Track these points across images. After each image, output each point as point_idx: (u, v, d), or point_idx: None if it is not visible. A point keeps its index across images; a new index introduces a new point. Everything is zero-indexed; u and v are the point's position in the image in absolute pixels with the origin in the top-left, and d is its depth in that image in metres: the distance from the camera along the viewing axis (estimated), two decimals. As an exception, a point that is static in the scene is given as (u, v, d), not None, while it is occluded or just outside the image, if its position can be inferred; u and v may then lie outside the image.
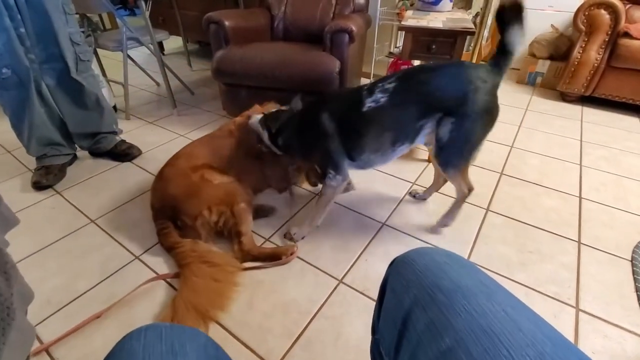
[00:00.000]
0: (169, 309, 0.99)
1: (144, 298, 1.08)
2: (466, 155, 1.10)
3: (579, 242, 1.30)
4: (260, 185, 1.51)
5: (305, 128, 1.20)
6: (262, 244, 1.29)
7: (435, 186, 1.47)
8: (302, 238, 1.30)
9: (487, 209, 1.46)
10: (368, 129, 1.09)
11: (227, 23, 1.92)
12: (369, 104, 1.06)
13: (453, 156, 1.10)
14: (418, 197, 1.52)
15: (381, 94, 1.05)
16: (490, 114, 1.04)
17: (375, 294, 1.10)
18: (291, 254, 1.20)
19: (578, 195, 1.56)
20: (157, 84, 2.88)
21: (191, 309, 0.98)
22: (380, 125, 1.08)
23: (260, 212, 1.40)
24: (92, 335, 0.98)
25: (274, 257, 1.19)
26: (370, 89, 1.07)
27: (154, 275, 1.15)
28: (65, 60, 1.49)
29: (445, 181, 1.41)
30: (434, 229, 1.33)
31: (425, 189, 1.52)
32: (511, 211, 1.44)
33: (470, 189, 1.20)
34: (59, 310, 1.06)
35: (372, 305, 1.06)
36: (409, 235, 1.34)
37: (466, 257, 1.24)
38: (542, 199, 1.52)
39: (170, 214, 1.23)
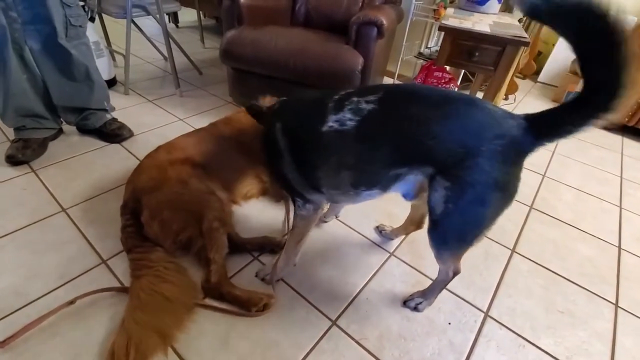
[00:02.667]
0: (120, 332, 0.83)
1: (103, 311, 0.93)
2: (469, 241, 0.79)
3: (616, 305, 1.11)
4: (254, 190, 1.33)
5: (262, 139, 0.93)
6: (250, 262, 1.12)
7: (405, 229, 1.20)
8: (277, 281, 1.05)
9: (513, 250, 1.27)
10: (323, 157, 0.78)
11: (242, 0, 1.71)
12: (331, 123, 0.74)
13: (451, 239, 0.80)
14: (384, 235, 1.25)
15: (350, 114, 0.73)
16: (503, 190, 0.70)
17: (374, 345, 0.92)
18: (264, 309, 0.95)
19: (617, 245, 1.35)
20: (165, 58, 2.69)
21: (147, 327, 0.84)
22: (338, 158, 0.77)
23: (267, 246, 1.16)
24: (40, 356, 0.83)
25: (243, 304, 0.95)
26: (339, 102, 0.75)
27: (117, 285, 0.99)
28: (53, 23, 1.31)
29: (418, 228, 1.14)
30: (406, 304, 1.03)
31: (393, 227, 1.24)
32: (541, 256, 1.25)
33: (456, 274, 0.94)
34: (4, 317, 0.90)
35: None
36: (419, 272, 1.15)
37: (484, 309, 1.05)
38: (576, 245, 1.32)
39: (135, 208, 1.07)
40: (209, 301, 0.97)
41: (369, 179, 0.79)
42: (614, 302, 1.12)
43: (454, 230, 0.77)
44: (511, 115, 0.69)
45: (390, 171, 0.76)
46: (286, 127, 0.84)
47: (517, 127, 0.67)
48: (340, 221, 1.31)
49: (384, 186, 0.80)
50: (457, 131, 0.67)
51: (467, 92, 2.09)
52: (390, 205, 1.41)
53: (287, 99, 0.93)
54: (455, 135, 0.67)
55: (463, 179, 0.68)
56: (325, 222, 1.29)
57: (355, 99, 0.74)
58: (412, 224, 1.16)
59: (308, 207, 0.92)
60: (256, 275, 1.07)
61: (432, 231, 0.80)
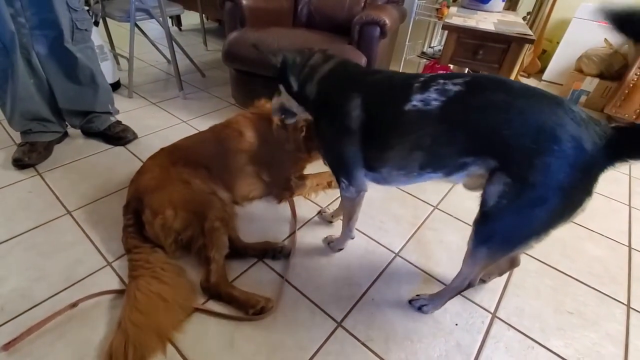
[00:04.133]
0: (117, 333, 0.83)
1: (107, 313, 0.93)
2: (513, 244, 0.76)
3: (628, 307, 1.09)
4: (256, 191, 1.33)
5: (327, 106, 0.88)
6: (254, 264, 1.11)
7: (499, 268, 1.07)
8: (339, 250, 1.17)
9: (520, 250, 1.25)
10: (401, 136, 0.78)
11: (244, 2, 1.72)
12: (415, 102, 0.73)
13: (496, 237, 0.76)
14: (482, 280, 1.11)
15: (437, 94, 0.72)
16: (566, 198, 0.65)
17: (380, 347, 0.91)
18: (261, 311, 0.94)
19: (627, 244, 1.33)
20: (168, 61, 2.70)
21: (144, 328, 0.84)
22: (415, 138, 0.76)
23: (269, 252, 1.13)
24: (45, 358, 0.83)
25: (240, 305, 0.95)
26: (425, 83, 0.74)
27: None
28: (60, 27, 1.32)
29: (513, 266, 1.04)
30: (411, 303, 1.02)
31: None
32: (549, 257, 1.23)
33: (471, 286, 0.92)
34: (11, 319, 0.91)
35: (375, 362, 0.91)
36: (425, 272, 1.14)
37: (492, 310, 1.04)
38: (585, 245, 1.30)
39: (137, 207, 1.07)
40: (208, 305, 0.97)
41: (438, 162, 0.78)
42: (625, 302, 1.10)
43: (501, 228, 0.74)
44: (597, 122, 0.65)
45: (459, 159, 0.75)
46: (367, 102, 0.80)
47: (598, 134, 0.62)
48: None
49: (448, 172, 0.80)
50: (534, 125, 0.64)
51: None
52: (395, 206, 1.40)
53: (363, 70, 0.90)
54: (531, 129, 0.64)
55: (526, 177, 0.65)
56: (331, 222, 1.28)
57: (441, 80, 0.73)
58: (505, 264, 1.05)
59: (351, 190, 0.94)
60: (322, 241, 1.19)
61: (479, 224, 0.77)
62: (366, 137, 0.82)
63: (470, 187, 0.84)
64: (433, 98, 0.72)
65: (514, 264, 1.04)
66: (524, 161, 0.65)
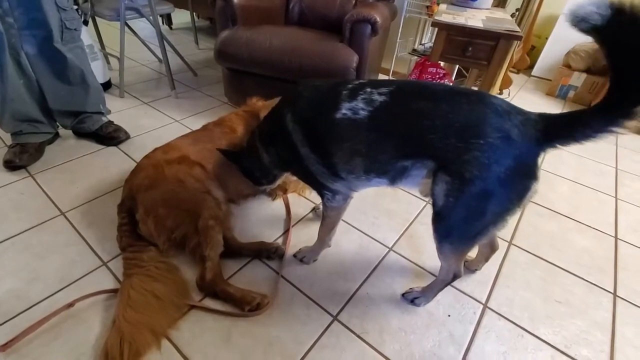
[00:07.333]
0: (112, 331, 0.84)
1: (103, 313, 0.93)
2: (471, 236, 0.79)
3: (615, 295, 1.13)
4: (250, 188, 1.33)
5: (273, 136, 0.96)
6: (248, 262, 1.12)
7: (483, 254, 1.11)
8: (314, 261, 1.13)
9: (510, 242, 1.28)
10: (337, 143, 0.80)
11: (235, 0, 1.71)
12: (344, 110, 0.77)
13: (453, 233, 0.80)
14: (468, 267, 1.15)
15: (364, 104, 0.75)
16: (507, 187, 0.68)
17: (375, 339, 0.94)
18: (257, 308, 0.95)
19: (614, 235, 1.37)
20: (160, 60, 2.68)
21: (138, 325, 0.84)
22: (350, 145, 0.79)
23: (264, 252, 1.13)
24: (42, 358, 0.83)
25: (236, 302, 0.96)
26: (353, 91, 0.78)
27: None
28: (49, 27, 1.31)
29: (494, 250, 1.08)
30: (404, 296, 1.04)
31: (470, 259, 1.14)
32: (538, 248, 1.26)
33: (457, 277, 0.92)
34: (7, 321, 0.91)
35: (371, 353, 0.93)
36: (417, 265, 1.16)
37: (483, 301, 1.06)
38: (573, 236, 1.33)
39: (131, 206, 1.08)
40: (205, 303, 0.98)
41: (379, 167, 0.81)
42: (612, 291, 1.13)
43: (455, 223, 0.78)
44: (520, 111, 0.68)
45: (397, 163, 0.78)
46: (297, 114, 0.85)
47: (523, 122, 0.66)
48: (343, 220, 1.31)
49: (393, 177, 0.82)
50: (457, 125, 0.68)
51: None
52: (387, 202, 1.42)
53: (293, 90, 0.92)
54: (455, 129, 0.68)
55: (462, 173, 0.68)
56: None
57: (368, 89, 0.76)
58: (486, 250, 1.09)
59: (338, 199, 0.95)
60: (294, 256, 1.13)
61: (434, 223, 0.81)
62: (312, 147, 0.85)
63: (424, 193, 0.87)
64: (361, 107, 0.75)
65: (493, 248, 1.07)
66: (456, 159, 0.68)
